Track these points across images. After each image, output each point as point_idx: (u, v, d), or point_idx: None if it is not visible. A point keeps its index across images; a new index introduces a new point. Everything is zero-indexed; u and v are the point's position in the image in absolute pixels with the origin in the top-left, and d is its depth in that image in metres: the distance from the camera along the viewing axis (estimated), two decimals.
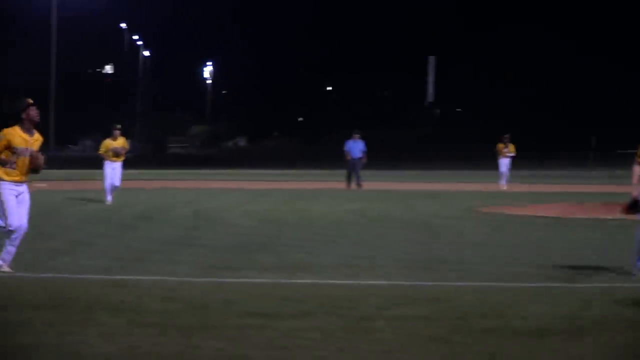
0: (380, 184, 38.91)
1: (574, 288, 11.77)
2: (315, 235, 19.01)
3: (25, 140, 11.54)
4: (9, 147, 11.39)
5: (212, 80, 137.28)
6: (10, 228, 11.52)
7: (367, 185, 38.08)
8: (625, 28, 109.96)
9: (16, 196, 11.60)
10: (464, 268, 13.67)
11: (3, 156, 11.38)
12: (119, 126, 25.47)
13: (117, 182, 26.09)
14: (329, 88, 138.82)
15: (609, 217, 24.23)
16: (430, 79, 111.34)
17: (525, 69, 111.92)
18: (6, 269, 11.65)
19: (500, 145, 35.79)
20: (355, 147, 37.86)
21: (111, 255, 15.46)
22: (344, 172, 41.20)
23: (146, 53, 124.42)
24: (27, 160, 11.53)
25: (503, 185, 34.77)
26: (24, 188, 11.85)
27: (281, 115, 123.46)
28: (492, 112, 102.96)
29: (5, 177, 11.45)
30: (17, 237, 11.79)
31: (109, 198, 26.04)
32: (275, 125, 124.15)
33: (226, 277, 12.40)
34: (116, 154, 24.95)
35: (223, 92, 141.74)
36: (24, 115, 11.56)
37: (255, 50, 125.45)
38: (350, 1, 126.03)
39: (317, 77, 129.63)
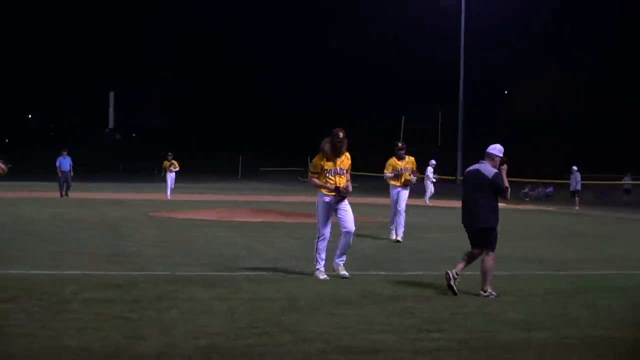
0: (79, 193, 38.46)
1: (229, 275, 12.50)
2: (25, 234, 18.71)
3: None
4: None
5: None
6: None
7: (71, 194, 37.59)
8: None
9: None
10: (142, 261, 14.04)
11: None
12: None
13: None
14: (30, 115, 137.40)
15: (258, 220, 25.54)
16: (111, 110, 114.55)
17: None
18: None
19: (166, 162, 35.85)
20: (65, 162, 37.48)
21: None
22: (53, 183, 40.82)
23: None
24: None
25: (168, 195, 34.83)
26: None
27: None
28: (158, 136, 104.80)
29: None
30: None
31: None
32: None
33: None
34: None
35: None
36: None
37: None
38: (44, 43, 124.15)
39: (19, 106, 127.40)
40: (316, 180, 11.92)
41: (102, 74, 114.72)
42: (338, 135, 11.72)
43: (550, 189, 47.03)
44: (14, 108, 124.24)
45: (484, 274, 10.86)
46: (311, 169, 12.13)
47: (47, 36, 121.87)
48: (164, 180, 35.02)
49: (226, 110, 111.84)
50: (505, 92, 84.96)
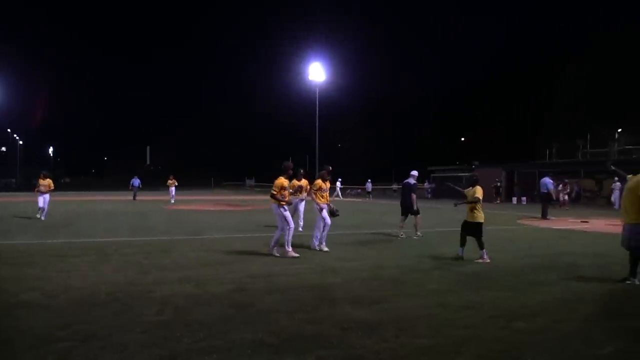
0: (128, 197, 36.27)
1: (198, 237, 11.70)
2: (94, 218, 16.96)
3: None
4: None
5: None
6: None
7: (124, 197, 35.68)
8: None
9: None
10: (155, 231, 13.14)
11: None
12: None
13: None
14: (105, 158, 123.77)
15: (218, 209, 24.74)
16: (148, 155, 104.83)
17: None
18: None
19: (169, 181, 29.83)
20: (135, 181, 32.96)
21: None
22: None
23: None
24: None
25: (172, 199, 29.33)
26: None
27: None
28: (170, 168, 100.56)
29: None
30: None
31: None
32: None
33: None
34: None
35: None
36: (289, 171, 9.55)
37: None
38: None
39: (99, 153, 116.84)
40: (314, 196, 10.24)
41: (144, 139, 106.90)
42: (329, 169, 10.63)
43: (359, 191, 47.93)
44: (95, 155, 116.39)
45: (416, 225, 12.30)
46: (313, 187, 10.39)
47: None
48: (168, 190, 30.08)
49: (206, 152, 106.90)
50: (339, 145, 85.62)
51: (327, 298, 5.93)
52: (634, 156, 32.91)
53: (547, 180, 19.05)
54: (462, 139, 77.86)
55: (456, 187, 9.76)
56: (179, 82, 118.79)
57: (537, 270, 7.98)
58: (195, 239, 11.72)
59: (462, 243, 8.79)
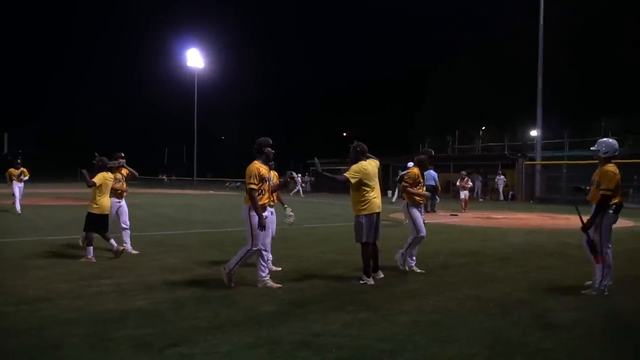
0: None
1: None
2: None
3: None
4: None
5: None
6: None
7: None
8: None
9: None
10: None
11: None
12: None
13: None
14: None
15: (57, 203, 21.20)
16: (5, 142, 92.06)
17: None
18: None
19: (13, 170, 21.67)
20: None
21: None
22: None
23: None
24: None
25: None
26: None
27: None
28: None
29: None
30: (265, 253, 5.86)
31: None
32: None
33: None
34: None
35: None
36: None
37: None
38: None
39: None
40: (410, 191, 7.09)
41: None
42: (431, 153, 7.77)
43: (238, 184, 46.06)
44: None
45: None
46: (408, 180, 7.13)
47: None
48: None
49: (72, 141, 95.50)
50: (222, 137, 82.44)
51: (107, 339, 3.89)
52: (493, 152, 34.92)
53: (432, 173, 17.97)
54: (345, 134, 78.82)
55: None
56: (45, 63, 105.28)
57: (401, 277, 6.59)
58: None
59: (89, 242, 7.29)
